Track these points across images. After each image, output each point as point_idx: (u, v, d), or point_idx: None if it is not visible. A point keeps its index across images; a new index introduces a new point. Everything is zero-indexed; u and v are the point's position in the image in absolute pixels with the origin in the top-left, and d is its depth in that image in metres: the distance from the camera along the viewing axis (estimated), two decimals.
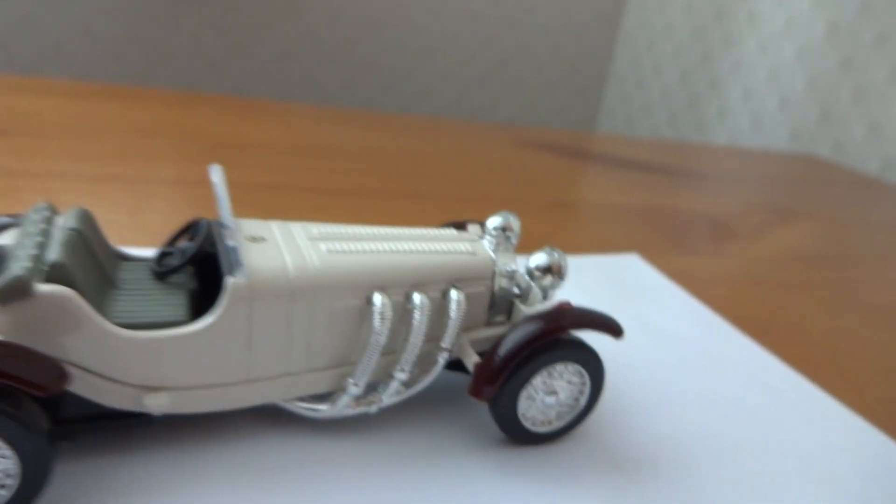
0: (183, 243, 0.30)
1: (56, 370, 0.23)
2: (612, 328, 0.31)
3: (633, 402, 0.36)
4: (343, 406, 0.29)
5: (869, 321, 0.53)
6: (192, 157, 0.68)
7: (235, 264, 0.26)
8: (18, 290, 0.22)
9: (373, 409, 0.29)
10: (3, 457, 0.22)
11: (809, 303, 0.55)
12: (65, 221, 0.27)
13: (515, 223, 0.35)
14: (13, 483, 0.23)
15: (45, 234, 0.26)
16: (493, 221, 0.35)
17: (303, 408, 0.29)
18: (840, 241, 0.74)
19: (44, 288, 0.23)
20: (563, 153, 0.96)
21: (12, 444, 0.22)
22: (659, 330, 0.44)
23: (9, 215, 0.29)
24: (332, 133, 0.87)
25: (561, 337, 0.30)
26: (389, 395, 0.30)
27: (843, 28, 1.28)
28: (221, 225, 0.28)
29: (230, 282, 0.26)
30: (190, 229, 0.31)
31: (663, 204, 0.78)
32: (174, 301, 0.27)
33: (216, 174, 0.29)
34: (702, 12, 1.62)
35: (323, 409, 0.29)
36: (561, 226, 0.65)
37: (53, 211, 0.28)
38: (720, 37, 1.58)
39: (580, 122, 2.03)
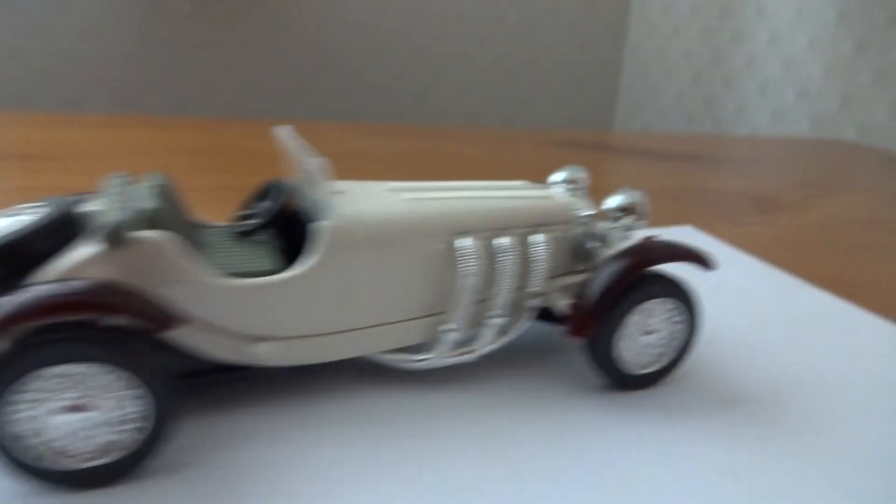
0: (262, 204, 0.30)
1: (168, 310, 0.22)
2: (701, 259, 0.30)
3: (722, 350, 0.35)
4: (444, 354, 0.28)
5: None
6: (225, 170, 0.68)
7: (327, 209, 0.25)
8: (121, 235, 0.22)
9: (473, 356, 0.29)
10: (140, 397, 0.22)
11: (878, 260, 0.54)
12: (149, 182, 0.27)
13: (581, 175, 0.34)
14: (148, 426, 0.22)
15: (133, 192, 0.26)
16: (558, 176, 0.34)
17: (404, 360, 0.28)
18: (892, 208, 0.72)
19: (147, 233, 0.22)
20: (587, 148, 0.96)
21: (148, 383, 0.21)
22: (730, 288, 0.43)
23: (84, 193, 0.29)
24: (361, 143, 0.87)
25: (651, 272, 0.29)
26: (485, 343, 0.29)
27: (854, 12, 1.28)
28: (305, 177, 0.27)
29: (324, 226, 0.25)
30: (265, 192, 0.30)
31: (699, 186, 0.77)
32: (265, 254, 0.27)
33: (284, 132, 0.28)
34: (708, 12, 1.63)
35: (425, 358, 0.28)
36: None
37: (130, 179, 0.28)
38: (730, 34, 1.59)
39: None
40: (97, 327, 0.21)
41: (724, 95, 1.62)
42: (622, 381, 0.30)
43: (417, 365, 0.28)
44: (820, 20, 1.36)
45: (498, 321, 0.28)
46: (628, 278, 0.28)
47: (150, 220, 0.23)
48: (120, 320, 0.21)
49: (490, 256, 0.29)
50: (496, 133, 1.05)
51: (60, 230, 0.22)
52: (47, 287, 0.20)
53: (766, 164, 0.97)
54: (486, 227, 0.29)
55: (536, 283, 0.29)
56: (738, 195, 0.74)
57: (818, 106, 1.37)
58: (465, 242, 0.28)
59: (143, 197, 0.25)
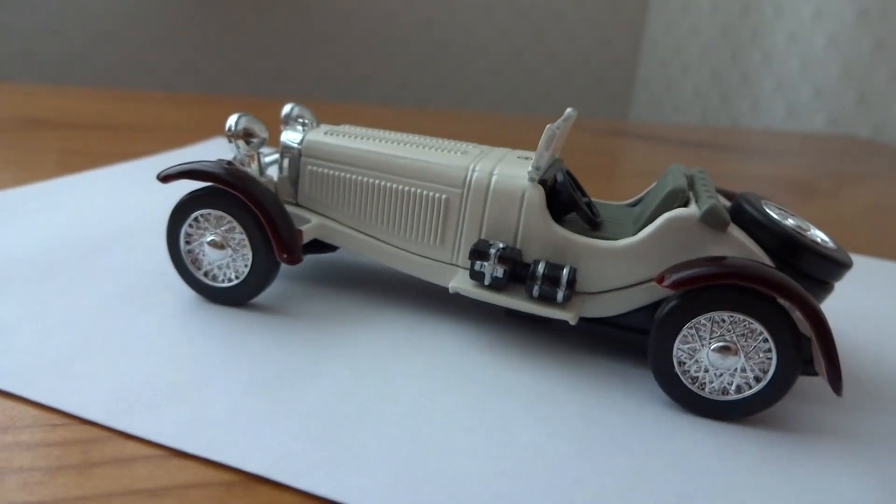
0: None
1: None
2: None
3: None
4: None
5: None
6: None
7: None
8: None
9: None
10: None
11: None
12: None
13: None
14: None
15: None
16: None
17: None
18: None
19: None
20: (602, 133, 1.00)
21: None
22: None
23: None
24: (395, 124, 0.91)
25: None
26: None
27: (873, 13, 1.32)
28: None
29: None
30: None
31: (722, 171, 0.81)
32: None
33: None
34: (728, 11, 1.67)
35: None
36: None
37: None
38: (748, 32, 1.62)
39: None
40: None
41: (740, 92, 1.67)
42: None
43: None
44: (839, 20, 1.40)
45: None
46: None
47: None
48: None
49: None
50: (514, 119, 1.09)
51: None
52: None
53: (787, 154, 1.01)
54: None
55: None
56: (772, 181, 0.78)
57: (833, 104, 1.42)
58: None
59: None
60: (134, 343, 0.29)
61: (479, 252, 0.29)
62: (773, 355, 0.26)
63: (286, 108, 0.37)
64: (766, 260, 0.28)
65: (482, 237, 0.31)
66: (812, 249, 0.28)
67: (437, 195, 0.32)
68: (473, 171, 0.31)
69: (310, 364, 0.28)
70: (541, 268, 0.28)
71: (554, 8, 1.86)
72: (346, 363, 0.28)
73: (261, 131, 0.33)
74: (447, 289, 0.32)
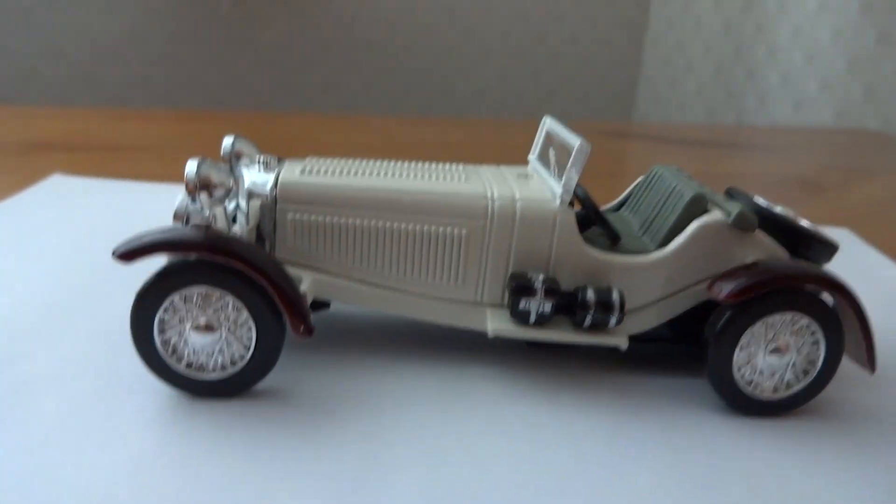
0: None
1: None
2: None
3: None
4: None
5: None
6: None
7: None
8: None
9: None
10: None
11: None
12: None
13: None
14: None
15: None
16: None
17: None
18: None
19: None
20: (606, 135, 0.99)
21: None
22: None
23: None
24: (411, 134, 0.91)
25: None
26: None
27: (877, 5, 1.31)
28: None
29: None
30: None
31: (730, 171, 0.80)
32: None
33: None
34: (731, 6, 1.66)
35: None
36: None
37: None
38: (752, 27, 1.61)
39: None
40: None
41: (745, 87, 1.65)
42: None
43: None
44: (843, 13, 1.39)
45: None
46: None
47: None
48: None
49: None
50: (519, 124, 1.08)
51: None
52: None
53: (795, 150, 1.00)
54: None
55: None
56: (781, 179, 0.77)
57: (841, 97, 1.40)
58: None
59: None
60: (146, 467, 0.23)
61: (523, 288, 0.27)
62: (822, 347, 0.28)
63: (226, 143, 0.31)
64: (785, 253, 0.29)
65: (511, 270, 0.28)
66: (812, 235, 0.30)
67: (456, 230, 0.28)
68: (493, 199, 0.28)
69: (366, 456, 0.25)
70: (590, 295, 0.27)
71: (554, 10, 1.85)
72: (406, 446, 0.25)
73: (225, 180, 0.27)
74: (450, 329, 0.30)
